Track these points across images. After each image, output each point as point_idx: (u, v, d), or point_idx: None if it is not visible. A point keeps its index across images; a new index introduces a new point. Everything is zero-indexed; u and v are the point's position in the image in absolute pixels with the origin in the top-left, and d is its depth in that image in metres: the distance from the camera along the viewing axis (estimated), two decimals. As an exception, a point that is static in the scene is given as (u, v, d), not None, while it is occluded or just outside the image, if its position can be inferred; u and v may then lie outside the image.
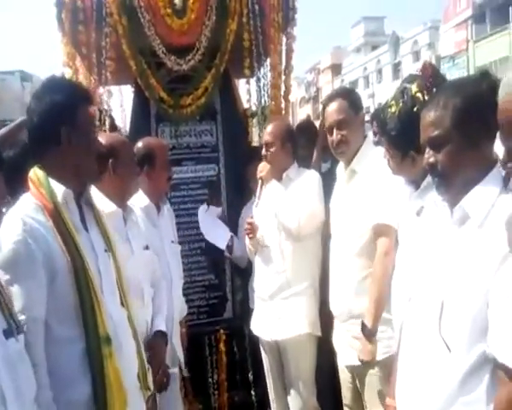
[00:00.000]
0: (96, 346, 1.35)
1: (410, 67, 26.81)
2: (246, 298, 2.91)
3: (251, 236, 2.56)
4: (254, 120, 3.24)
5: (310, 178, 2.50)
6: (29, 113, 1.46)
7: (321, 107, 3.01)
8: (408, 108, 1.59)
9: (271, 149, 2.52)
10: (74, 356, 1.35)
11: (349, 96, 2.21)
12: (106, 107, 2.82)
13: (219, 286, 3.00)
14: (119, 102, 3.46)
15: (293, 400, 2.49)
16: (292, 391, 2.49)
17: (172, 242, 2.44)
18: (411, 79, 1.66)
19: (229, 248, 2.90)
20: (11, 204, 1.41)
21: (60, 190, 1.42)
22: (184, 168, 2.98)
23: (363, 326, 1.96)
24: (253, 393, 2.86)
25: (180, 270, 2.46)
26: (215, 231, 2.91)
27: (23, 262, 1.30)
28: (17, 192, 1.42)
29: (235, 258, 2.95)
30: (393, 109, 1.63)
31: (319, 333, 2.44)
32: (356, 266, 2.09)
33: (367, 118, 4.30)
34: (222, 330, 2.89)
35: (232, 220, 3.00)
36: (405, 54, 32.33)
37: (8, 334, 1.07)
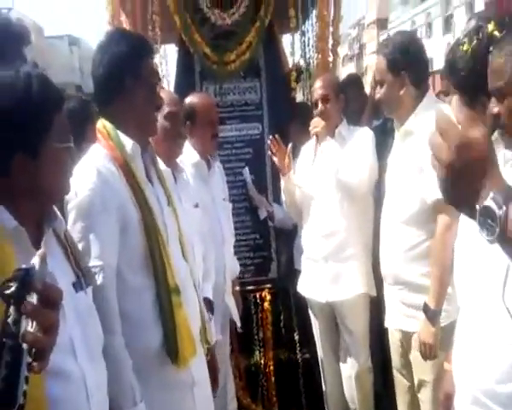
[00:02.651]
0: (166, 296, 1.37)
1: (464, 20, 25.19)
2: (291, 259, 2.88)
3: (284, 172, 2.50)
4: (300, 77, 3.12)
5: (365, 136, 2.41)
6: (94, 64, 1.46)
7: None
8: (483, 47, 1.40)
9: (327, 105, 2.41)
10: (145, 305, 1.38)
11: (391, 53, 1.99)
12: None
13: (264, 246, 2.99)
14: (163, 62, 3.42)
15: (347, 361, 2.47)
16: (347, 353, 2.47)
17: (224, 199, 2.43)
18: (485, 16, 1.49)
19: (270, 214, 2.88)
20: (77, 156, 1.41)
21: (128, 142, 1.42)
22: (228, 127, 2.93)
23: (426, 307, 1.83)
24: (298, 353, 2.87)
25: (231, 228, 2.46)
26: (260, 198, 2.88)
27: (98, 209, 1.32)
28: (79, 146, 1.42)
29: (277, 222, 2.92)
30: (466, 47, 1.47)
31: (374, 293, 2.40)
32: (404, 234, 1.98)
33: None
34: (267, 290, 2.90)
35: (276, 179, 2.96)
36: (458, 5, 30.31)
37: (77, 287, 1.08)
